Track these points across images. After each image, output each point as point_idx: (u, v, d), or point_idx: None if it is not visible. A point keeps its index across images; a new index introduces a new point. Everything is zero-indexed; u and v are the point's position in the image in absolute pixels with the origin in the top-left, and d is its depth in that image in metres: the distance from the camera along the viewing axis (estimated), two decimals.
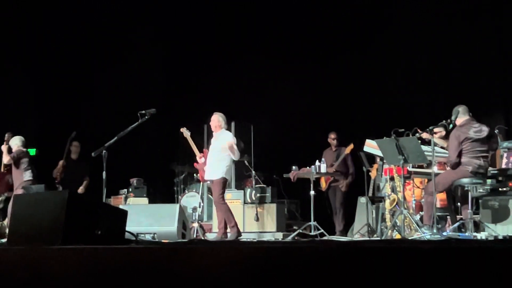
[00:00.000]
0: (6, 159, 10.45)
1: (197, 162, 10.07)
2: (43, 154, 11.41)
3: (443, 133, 8.83)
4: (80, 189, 11.13)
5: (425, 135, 7.99)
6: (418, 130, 7.85)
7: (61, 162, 10.64)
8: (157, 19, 13.79)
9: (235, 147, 9.26)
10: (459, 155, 7.81)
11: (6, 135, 10.61)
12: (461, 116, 7.94)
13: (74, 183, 10.88)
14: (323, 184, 11.09)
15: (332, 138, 11.19)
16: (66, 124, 13.13)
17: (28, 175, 10.45)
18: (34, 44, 13.19)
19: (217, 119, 9.50)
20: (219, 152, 9.31)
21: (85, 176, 11.23)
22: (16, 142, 10.61)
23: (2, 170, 10.68)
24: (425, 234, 7.41)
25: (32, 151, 11.51)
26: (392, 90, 11.85)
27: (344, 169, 10.98)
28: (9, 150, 10.46)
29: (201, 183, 10.79)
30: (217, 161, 9.33)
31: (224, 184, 9.30)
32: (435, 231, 7.32)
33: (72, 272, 4.13)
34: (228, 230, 9.11)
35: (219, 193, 9.17)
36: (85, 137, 11.31)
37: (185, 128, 10.17)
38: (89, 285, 4.05)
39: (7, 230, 10.42)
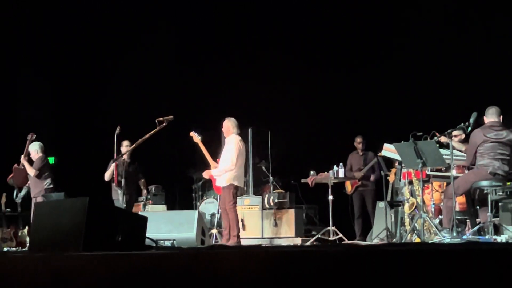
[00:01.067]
0: (31, 172, 10.49)
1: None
2: (61, 162, 11.48)
3: (463, 136, 8.77)
4: (144, 193, 11.08)
5: (443, 139, 7.96)
6: (436, 134, 7.82)
7: (113, 165, 9.96)
8: (173, 23, 13.82)
9: (225, 165, 9.24)
10: (475, 156, 7.79)
11: (29, 135, 10.62)
12: (488, 116, 7.91)
13: (131, 185, 10.50)
14: (349, 188, 11.06)
15: (358, 142, 11.14)
16: (84, 132, 13.24)
17: (48, 183, 10.52)
18: (50, 49, 13.30)
19: (226, 125, 9.47)
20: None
21: (140, 176, 10.92)
22: (35, 148, 10.66)
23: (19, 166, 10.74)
24: (445, 237, 7.38)
25: (51, 160, 11.60)
26: (410, 93, 11.81)
27: (371, 173, 10.94)
28: (30, 160, 10.52)
29: None
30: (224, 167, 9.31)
31: (235, 191, 9.21)
32: (454, 234, 7.28)
33: (93, 279, 4.15)
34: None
35: (230, 201, 9.08)
36: (105, 144, 11.36)
37: (195, 133, 9.97)
38: None
39: (27, 239, 10.52)
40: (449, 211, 7.71)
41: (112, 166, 10.01)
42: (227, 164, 9.15)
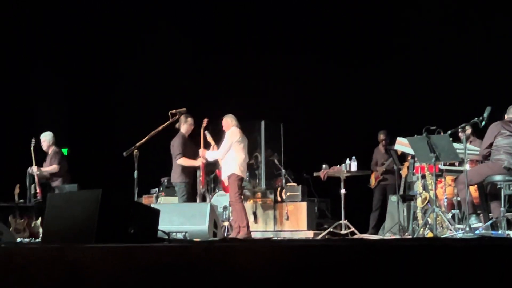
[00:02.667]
0: (54, 169, 10.52)
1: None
2: (74, 153, 11.53)
3: (469, 131, 8.79)
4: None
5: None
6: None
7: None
8: (186, 15, 13.82)
9: (211, 152, 9.54)
10: (490, 147, 7.77)
11: (33, 141, 10.62)
12: (510, 114, 7.92)
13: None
14: (373, 181, 11.08)
15: (381, 138, 11.17)
16: (97, 123, 13.27)
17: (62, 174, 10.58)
18: (63, 42, 13.35)
19: (225, 121, 9.63)
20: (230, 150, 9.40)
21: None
22: (48, 139, 10.67)
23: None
24: (457, 232, 7.36)
25: (65, 151, 11.65)
26: (424, 87, 11.77)
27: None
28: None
29: None
30: (227, 158, 9.41)
31: (239, 182, 9.32)
32: (467, 229, 7.26)
33: (106, 270, 4.17)
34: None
35: (235, 192, 9.22)
36: (117, 137, 11.40)
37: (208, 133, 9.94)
38: (123, 283, 4.09)
39: (40, 230, 10.58)
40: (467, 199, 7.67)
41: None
42: (218, 154, 9.48)
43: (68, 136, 12.39)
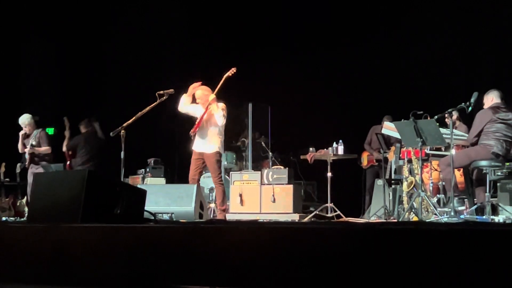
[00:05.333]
0: (47, 150, 10.49)
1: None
2: (61, 132, 11.49)
3: (455, 116, 8.82)
4: None
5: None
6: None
7: None
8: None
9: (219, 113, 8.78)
10: (479, 135, 7.81)
11: (22, 131, 10.58)
12: (494, 98, 7.95)
13: None
14: (365, 161, 11.06)
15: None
16: (85, 103, 13.22)
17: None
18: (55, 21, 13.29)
19: (206, 91, 8.98)
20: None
21: None
22: (30, 122, 10.55)
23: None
24: (443, 217, 7.41)
25: (50, 130, 11.60)
26: (410, 71, 11.78)
27: None
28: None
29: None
30: (212, 132, 8.92)
31: (220, 162, 9.08)
32: (452, 213, 7.31)
33: (91, 250, 4.18)
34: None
35: (218, 172, 8.88)
36: (104, 117, 11.36)
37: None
38: (108, 263, 4.10)
39: (25, 208, 10.56)
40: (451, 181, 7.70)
41: None
42: (220, 119, 8.78)
43: (55, 116, 12.32)
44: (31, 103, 11.30)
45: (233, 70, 9.09)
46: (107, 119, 10.92)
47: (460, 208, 7.65)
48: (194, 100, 9.00)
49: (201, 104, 8.96)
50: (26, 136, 10.52)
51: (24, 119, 10.50)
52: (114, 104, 12.63)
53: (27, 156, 10.39)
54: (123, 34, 13.43)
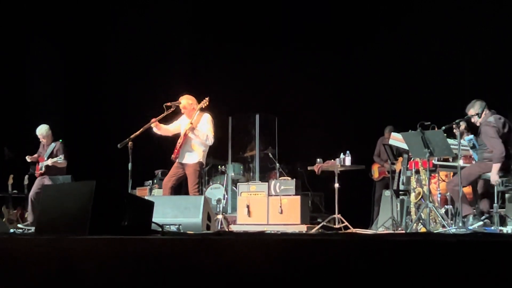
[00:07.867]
0: (64, 164, 10.43)
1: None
2: (68, 144, 11.51)
3: (463, 126, 8.80)
4: None
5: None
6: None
7: None
8: (181, 7, 13.81)
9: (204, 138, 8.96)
10: (506, 147, 7.76)
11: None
12: (485, 110, 7.94)
13: None
14: (376, 174, 11.06)
15: (387, 136, 11.14)
16: (91, 115, 13.24)
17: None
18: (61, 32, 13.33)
19: (191, 101, 9.14)
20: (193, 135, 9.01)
21: None
22: (49, 133, 10.52)
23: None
24: (451, 228, 7.39)
25: None
26: (418, 82, 11.77)
27: None
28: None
29: (225, 175, 10.84)
30: (195, 143, 9.04)
31: (201, 171, 9.08)
32: (460, 224, 7.28)
33: (99, 262, 4.17)
34: None
35: (196, 182, 8.90)
36: (111, 129, 11.38)
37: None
38: (116, 275, 4.09)
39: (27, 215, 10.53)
40: (463, 199, 7.68)
41: None
42: (209, 139, 8.95)
43: (63, 128, 12.36)
44: (38, 116, 11.30)
45: (206, 101, 9.21)
46: (114, 131, 10.92)
47: (477, 225, 7.57)
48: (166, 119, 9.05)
49: (185, 114, 9.07)
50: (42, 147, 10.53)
51: (43, 130, 10.47)
52: (121, 115, 12.64)
53: (43, 167, 10.34)
54: (129, 45, 13.47)
